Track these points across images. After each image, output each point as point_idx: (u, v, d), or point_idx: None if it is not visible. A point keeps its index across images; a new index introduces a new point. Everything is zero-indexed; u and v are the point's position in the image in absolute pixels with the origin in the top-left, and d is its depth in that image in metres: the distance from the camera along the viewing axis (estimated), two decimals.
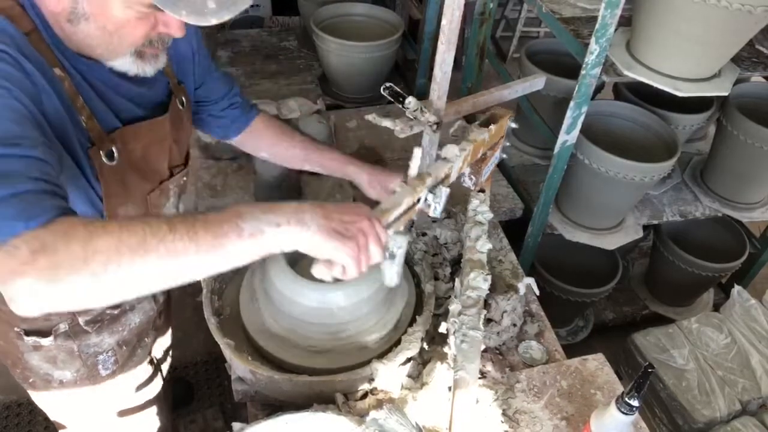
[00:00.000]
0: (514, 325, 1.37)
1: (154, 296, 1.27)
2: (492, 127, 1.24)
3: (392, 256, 0.98)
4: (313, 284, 1.17)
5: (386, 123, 1.34)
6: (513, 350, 1.35)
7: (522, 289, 1.39)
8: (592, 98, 1.63)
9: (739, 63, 1.70)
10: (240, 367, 1.13)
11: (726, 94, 1.62)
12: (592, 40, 1.43)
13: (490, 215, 1.32)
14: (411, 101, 1.30)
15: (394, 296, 1.25)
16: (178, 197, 1.17)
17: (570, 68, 1.83)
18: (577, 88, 1.54)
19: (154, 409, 1.42)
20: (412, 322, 1.24)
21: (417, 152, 0.98)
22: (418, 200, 0.98)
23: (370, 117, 1.37)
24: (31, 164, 0.70)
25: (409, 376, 1.21)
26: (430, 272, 1.34)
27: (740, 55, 1.69)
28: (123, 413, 1.33)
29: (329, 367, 1.14)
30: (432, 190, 0.99)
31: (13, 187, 0.66)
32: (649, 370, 0.97)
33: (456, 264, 1.46)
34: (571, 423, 1.19)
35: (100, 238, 0.65)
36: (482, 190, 1.37)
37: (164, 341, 1.47)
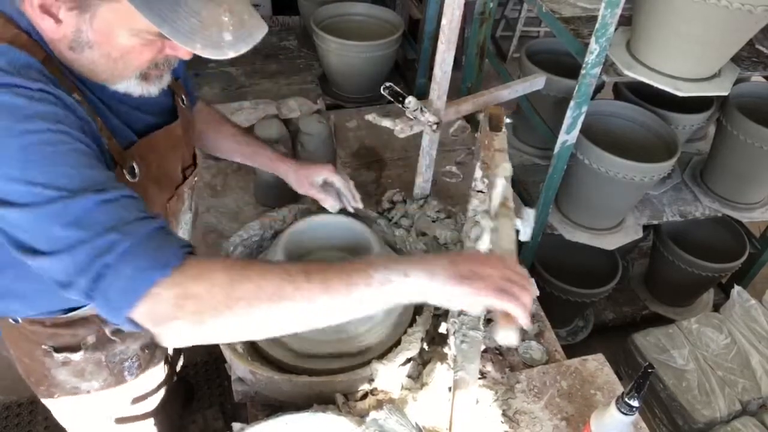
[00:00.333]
0: None
1: None
2: (504, 129, 1.23)
3: None
4: None
5: (386, 123, 1.34)
6: (513, 350, 1.35)
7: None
8: (592, 98, 1.63)
9: (739, 63, 1.70)
10: (240, 367, 1.13)
11: (726, 93, 1.62)
12: (592, 39, 1.43)
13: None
14: (411, 101, 1.31)
15: None
16: (191, 199, 1.16)
17: (570, 68, 1.83)
18: (577, 88, 1.54)
19: (167, 406, 1.41)
20: (412, 322, 1.24)
21: (500, 182, 0.95)
22: (517, 231, 0.95)
23: (370, 117, 1.37)
24: (128, 205, 0.73)
25: (409, 376, 1.21)
26: None
27: (740, 55, 1.69)
28: (142, 413, 1.33)
29: (329, 367, 1.13)
30: (518, 214, 0.96)
31: (130, 236, 0.70)
32: (649, 371, 0.97)
33: None
34: (571, 423, 1.19)
35: (242, 285, 0.71)
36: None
37: None
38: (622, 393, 0.99)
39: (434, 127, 1.38)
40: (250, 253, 1.40)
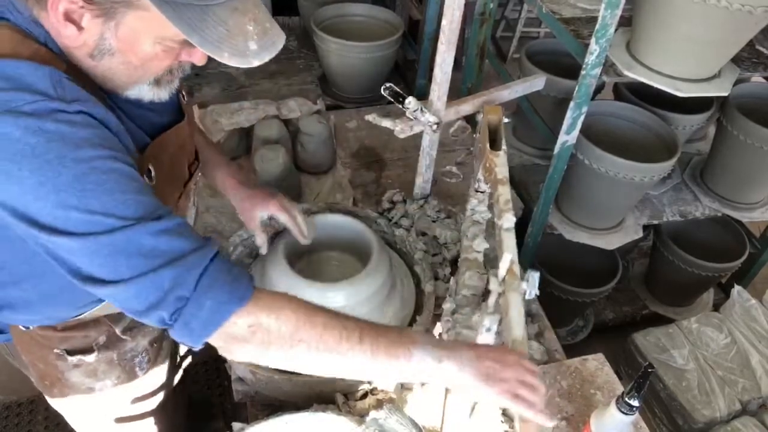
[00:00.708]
0: None
1: None
2: (503, 148, 1.23)
3: None
4: (313, 284, 1.17)
5: (386, 123, 1.34)
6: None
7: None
8: (592, 98, 1.63)
9: (739, 63, 1.70)
10: (240, 367, 1.13)
11: (726, 94, 1.62)
12: (593, 40, 1.43)
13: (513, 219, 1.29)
14: (411, 101, 1.31)
15: (394, 296, 1.25)
16: (195, 194, 1.17)
17: (570, 68, 1.83)
18: (577, 89, 1.54)
19: (172, 407, 1.41)
20: (412, 322, 1.24)
21: (506, 256, 1.00)
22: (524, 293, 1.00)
23: (370, 117, 1.37)
24: (184, 232, 0.77)
25: None
26: (430, 272, 1.34)
27: (740, 56, 1.69)
28: (151, 409, 1.32)
29: None
30: (523, 277, 1.00)
31: (198, 267, 0.76)
32: (649, 370, 0.98)
33: (456, 264, 1.46)
34: (571, 423, 1.20)
35: (306, 331, 0.80)
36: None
37: None
38: (622, 393, 0.99)
39: (434, 127, 1.38)
40: (250, 253, 1.40)
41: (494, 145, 1.28)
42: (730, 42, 1.49)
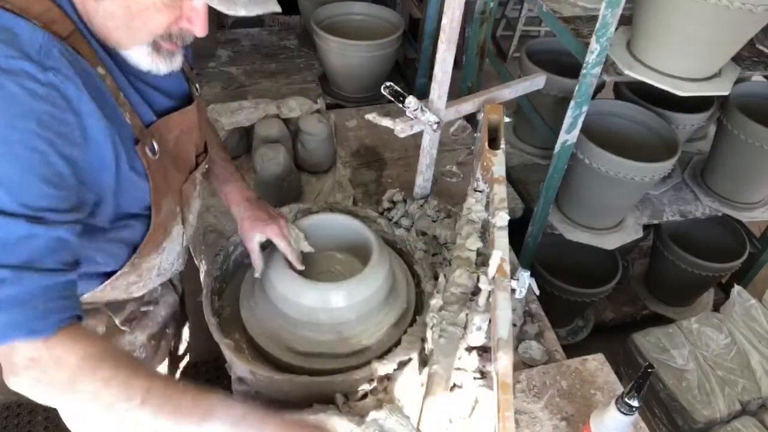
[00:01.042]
0: (514, 325, 1.36)
1: (175, 288, 1.28)
2: (502, 147, 1.23)
3: None
4: (313, 284, 1.17)
5: (386, 122, 1.34)
6: (513, 350, 1.35)
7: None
8: (593, 98, 1.63)
9: (739, 62, 1.70)
10: (240, 367, 1.13)
11: (726, 93, 1.62)
12: (593, 39, 1.43)
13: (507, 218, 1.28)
14: (411, 101, 1.30)
15: (394, 296, 1.24)
16: (202, 185, 1.16)
17: (570, 67, 1.83)
18: (577, 88, 1.54)
19: None
20: (413, 322, 1.24)
21: (496, 254, 0.99)
22: (513, 291, 0.99)
23: (371, 116, 1.37)
24: (52, 248, 0.74)
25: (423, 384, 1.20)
26: (430, 272, 1.34)
27: (741, 55, 1.69)
28: None
29: (329, 367, 1.13)
30: (513, 276, 0.99)
31: (25, 284, 0.72)
32: (649, 370, 0.97)
33: None
34: (571, 423, 1.19)
35: (84, 383, 0.76)
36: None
37: (184, 332, 1.47)
38: (622, 393, 0.99)
39: (435, 126, 1.38)
40: None
41: (493, 144, 1.28)
42: (731, 41, 1.49)
